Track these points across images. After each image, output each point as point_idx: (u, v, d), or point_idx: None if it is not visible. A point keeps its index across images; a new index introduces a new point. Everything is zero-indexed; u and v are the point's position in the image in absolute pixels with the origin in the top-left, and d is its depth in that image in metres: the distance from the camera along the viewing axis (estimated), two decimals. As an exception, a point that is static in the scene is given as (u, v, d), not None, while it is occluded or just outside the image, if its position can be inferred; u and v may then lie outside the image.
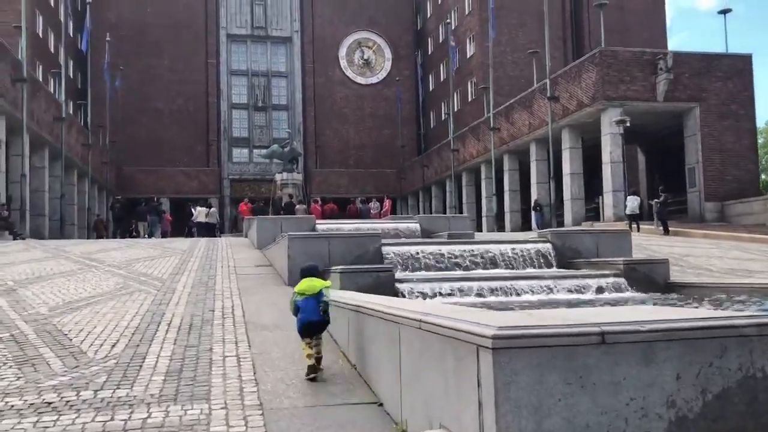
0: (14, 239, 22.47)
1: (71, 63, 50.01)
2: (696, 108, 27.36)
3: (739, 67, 28.02)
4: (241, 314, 7.43)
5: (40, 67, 41.49)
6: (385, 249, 9.84)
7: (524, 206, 36.32)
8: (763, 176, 52.75)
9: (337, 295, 6.73)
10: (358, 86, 60.17)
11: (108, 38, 45.57)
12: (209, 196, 51.01)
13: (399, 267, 9.62)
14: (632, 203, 21.83)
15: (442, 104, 55.83)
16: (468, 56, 50.77)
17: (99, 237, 29.07)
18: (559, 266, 10.09)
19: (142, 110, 55.55)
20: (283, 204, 24.48)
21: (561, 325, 2.53)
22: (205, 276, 10.76)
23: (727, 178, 27.41)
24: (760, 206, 25.59)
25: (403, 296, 8.14)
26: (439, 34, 56.80)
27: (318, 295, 5.42)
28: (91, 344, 5.96)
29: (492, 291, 8.21)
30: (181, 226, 34.02)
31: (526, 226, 35.52)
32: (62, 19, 41.08)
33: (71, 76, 49.97)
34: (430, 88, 59.01)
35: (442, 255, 9.65)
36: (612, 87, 26.89)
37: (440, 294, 8.08)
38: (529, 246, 10.24)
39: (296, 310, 5.48)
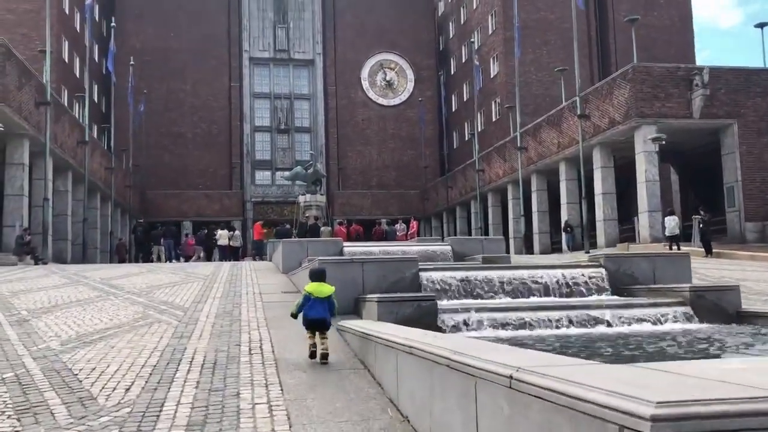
0: (36, 264, 22.06)
1: (96, 87, 50.36)
2: (734, 125, 26.40)
3: (778, 81, 27.01)
4: (270, 349, 6.70)
5: (65, 91, 41.65)
6: (423, 275, 9.08)
7: (552, 228, 35.36)
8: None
9: (376, 328, 5.99)
10: (380, 107, 59.82)
11: (132, 62, 45.71)
12: (232, 219, 50.72)
13: (439, 295, 8.84)
14: (671, 224, 20.87)
15: (466, 124, 55.22)
16: (492, 76, 50.22)
17: (121, 261, 28.68)
18: (613, 293, 9.23)
19: (166, 134, 55.67)
20: (308, 226, 23.81)
21: (749, 399, 1.76)
22: (230, 304, 10.06)
23: (768, 197, 26.29)
24: (805, 226, 24.44)
25: (448, 329, 7.36)
26: (462, 54, 56.38)
27: (328, 298, 6.41)
28: (103, 387, 5.26)
29: (548, 323, 7.40)
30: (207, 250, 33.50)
31: (555, 248, 34.57)
32: (87, 44, 41.20)
33: (95, 101, 50.26)
34: (453, 109, 58.48)
35: (489, 281, 8.86)
36: (646, 104, 26.03)
37: (492, 326, 7.29)
38: (581, 271, 9.41)
39: (301, 307, 6.43)
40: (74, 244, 31.41)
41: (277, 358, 6.27)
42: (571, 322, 7.54)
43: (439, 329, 7.47)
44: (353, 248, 15.63)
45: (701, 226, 20.65)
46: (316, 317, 6.23)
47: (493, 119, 50.16)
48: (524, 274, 9.14)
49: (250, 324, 8.23)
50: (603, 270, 9.47)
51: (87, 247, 32.64)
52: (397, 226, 27.69)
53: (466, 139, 54.49)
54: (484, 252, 16.18)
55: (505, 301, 8.49)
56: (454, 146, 58.18)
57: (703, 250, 20.12)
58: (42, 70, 27.66)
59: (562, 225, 32.28)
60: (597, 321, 7.61)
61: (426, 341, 4.21)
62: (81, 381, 5.48)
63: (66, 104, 37.02)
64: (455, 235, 46.93)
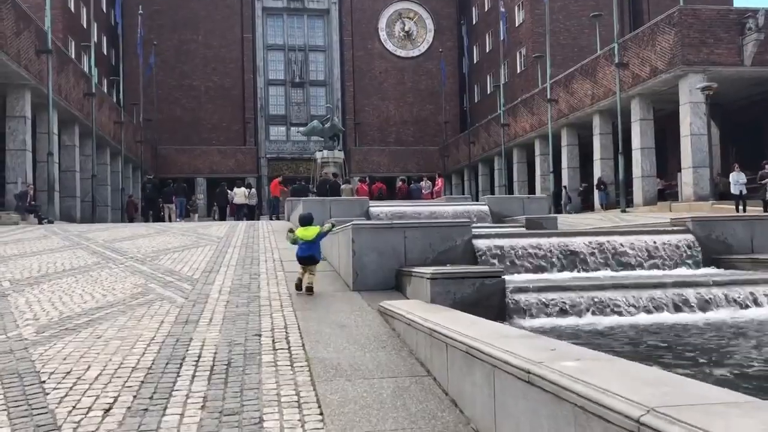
0: (40, 223, 20.74)
1: (104, 39, 48.53)
2: (788, 73, 24.27)
3: (839, 24, 24.69)
4: (299, 342, 5.22)
5: (72, 42, 39.90)
6: (476, 242, 7.53)
7: (582, 185, 33.54)
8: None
9: (444, 322, 4.49)
10: (398, 59, 57.56)
11: (140, 12, 43.73)
12: (246, 176, 49.27)
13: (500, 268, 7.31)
14: (738, 179, 18.97)
15: (488, 77, 52.94)
16: (517, 24, 47.70)
17: (130, 220, 27.29)
18: (706, 264, 7.66)
19: (177, 87, 53.96)
20: (328, 184, 22.24)
21: None
22: (246, 275, 8.60)
23: (825, 152, 24.31)
24: None
25: (521, 316, 5.84)
26: (485, 2, 53.73)
27: (315, 240, 7.38)
28: (74, 407, 3.80)
29: (644, 305, 5.85)
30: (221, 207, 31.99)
31: (585, 206, 32.84)
32: (94, -8, 39.22)
33: (105, 53, 48.50)
34: (475, 61, 56.02)
35: (557, 249, 7.29)
36: (693, 50, 23.94)
37: (575, 311, 5.76)
38: (665, 238, 7.82)
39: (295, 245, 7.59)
40: (83, 202, 30.12)
41: (309, 357, 4.77)
42: (674, 304, 5.97)
43: (506, 314, 5.95)
44: (381, 208, 14.11)
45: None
46: (303, 255, 7.37)
47: (518, 71, 47.87)
48: (600, 241, 7.55)
49: (272, 303, 6.75)
50: (691, 236, 7.86)
51: (97, 204, 31.36)
52: (423, 183, 26.02)
53: (488, 93, 52.32)
54: (525, 213, 14.62)
55: (583, 277, 6.93)
56: (476, 100, 55.96)
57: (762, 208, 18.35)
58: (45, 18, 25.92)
59: (595, 182, 30.50)
60: (706, 302, 6.05)
61: (552, 367, 2.68)
62: (47, 394, 4.03)
63: (73, 56, 35.36)
64: (476, 192, 45.26)
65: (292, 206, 18.28)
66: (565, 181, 33.11)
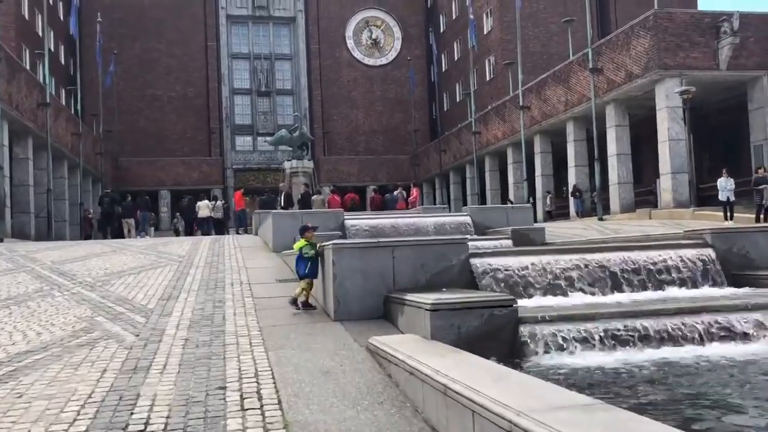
0: (-13, 242, 19.28)
1: (62, 48, 46.76)
2: (763, 77, 23.99)
3: (811, 29, 24.57)
4: (273, 398, 4.20)
5: (26, 51, 38.16)
6: (474, 262, 6.60)
7: (554, 193, 33.02)
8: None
9: (463, 378, 3.54)
10: (366, 68, 56.68)
11: (99, 19, 42.13)
12: (212, 187, 47.85)
13: (497, 290, 6.39)
14: (726, 185, 18.40)
15: (457, 85, 52.40)
16: (485, 32, 47.22)
17: (86, 237, 25.71)
18: (729, 282, 6.84)
19: (139, 97, 52.29)
20: (300, 195, 21.16)
21: None
22: (210, 303, 7.53)
23: (800, 157, 24.01)
24: None
25: (536, 352, 4.91)
26: (453, 10, 53.22)
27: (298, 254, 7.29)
28: None
29: (675, 335, 4.98)
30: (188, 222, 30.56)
31: (558, 214, 32.31)
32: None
33: (62, 62, 46.74)
34: (443, 69, 55.42)
35: (567, 269, 6.40)
36: (669, 54, 23.50)
37: (600, 344, 4.85)
38: (682, 253, 6.99)
39: None
40: (38, 217, 28.52)
41: (288, 421, 3.76)
42: (710, 333, 5.11)
43: (519, 350, 5.01)
44: (357, 221, 13.11)
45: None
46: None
47: (487, 79, 47.35)
48: (614, 258, 6.68)
49: (239, 340, 5.71)
50: (710, 250, 7.05)
51: (54, 220, 29.76)
52: (397, 193, 25.11)
53: (458, 101, 51.78)
54: (509, 223, 13.76)
55: (603, 302, 6.04)
56: (445, 108, 55.35)
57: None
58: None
59: (570, 189, 29.96)
60: (747, 332, 5.19)
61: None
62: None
63: (28, 65, 33.75)
64: (449, 201, 44.53)
65: (260, 219, 17.21)
66: (539, 189, 32.53)
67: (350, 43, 56.55)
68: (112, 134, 46.24)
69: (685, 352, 5.07)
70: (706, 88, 24.57)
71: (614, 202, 26.72)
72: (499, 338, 5.07)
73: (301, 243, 7.21)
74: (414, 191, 26.94)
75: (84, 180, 37.27)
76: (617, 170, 26.56)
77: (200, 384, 4.48)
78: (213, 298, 7.89)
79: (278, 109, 56.28)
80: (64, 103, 40.16)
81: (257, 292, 8.14)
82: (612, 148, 26.75)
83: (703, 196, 24.33)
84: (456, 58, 52.78)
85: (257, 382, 4.50)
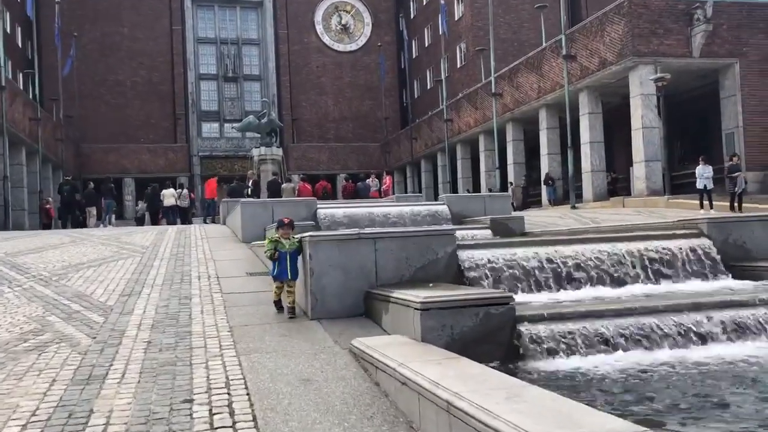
0: (-62, 232, 18.25)
1: (18, 30, 44.99)
2: (735, 64, 23.96)
3: (783, 17, 24.62)
4: (247, 412, 3.70)
5: (-20, 33, 36.54)
6: (462, 255, 6.15)
7: (527, 180, 32.85)
8: None
9: (449, 388, 3.07)
10: (336, 54, 55.88)
11: (57, 0, 40.57)
12: (178, 175, 46.79)
13: (486, 285, 5.96)
14: (704, 173, 18.24)
15: (428, 72, 51.96)
16: (456, 18, 46.77)
17: (45, 227, 24.61)
18: (730, 274, 6.51)
19: (101, 82, 50.74)
20: (269, 183, 20.53)
21: None
22: (175, 300, 6.97)
23: (770, 144, 24.11)
24: (814, 175, 22.41)
25: (537, 354, 4.48)
26: (424, -5, 52.65)
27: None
28: None
29: (685, 334, 4.59)
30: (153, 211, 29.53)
31: (530, 202, 32.14)
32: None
33: (19, 45, 45.00)
34: (414, 55, 54.87)
35: (561, 262, 5.99)
36: (643, 41, 23.31)
37: (604, 346, 4.44)
38: (678, 243, 6.63)
39: None
40: (-6, 206, 27.38)
41: (265, 443, 3.26)
42: (725, 332, 4.74)
43: (519, 353, 4.58)
44: (330, 210, 12.58)
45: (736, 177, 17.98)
46: None
47: (458, 65, 46.95)
48: (605, 249, 6.29)
49: (207, 343, 5.18)
50: (707, 240, 6.70)
51: (11, 209, 28.58)
52: (370, 181, 24.57)
53: (429, 88, 51.36)
54: (487, 212, 13.37)
55: (606, 298, 5.63)
56: (416, 95, 54.88)
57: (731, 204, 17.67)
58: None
59: (543, 177, 29.78)
60: (760, 327, 4.84)
61: None
62: None
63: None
64: (420, 189, 44.18)
65: (228, 208, 16.56)
66: (511, 177, 32.32)
67: (319, 28, 55.66)
68: (73, 120, 44.77)
69: (706, 352, 4.69)
70: (679, 75, 24.47)
71: (587, 191, 26.58)
72: (496, 339, 4.64)
73: (267, 241, 6.31)
74: (387, 179, 26.45)
75: (43, 167, 35.95)
76: (590, 158, 26.40)
77: (163, 396, 3.95)
78: (179, 293, 7.32)
79: (246, 95, 55.25)
80: (21, 87, 38.64)
81: (226, 287, 7.60)
82: (585, 135, 26.57)
83: (675, 184, 24.30)
84: (427, 45, 52.29)
85: (228, 394, 3.99)
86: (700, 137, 27.23)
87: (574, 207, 24.71)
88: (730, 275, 6.47)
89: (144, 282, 8.10)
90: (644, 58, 23.29)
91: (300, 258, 6.17)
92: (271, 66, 54.99)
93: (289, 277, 6.02)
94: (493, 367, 4.36)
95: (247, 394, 3.97)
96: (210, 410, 3.71)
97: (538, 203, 31.11)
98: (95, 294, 7.37)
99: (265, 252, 6.24)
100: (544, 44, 30.30)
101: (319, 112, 55.22)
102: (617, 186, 27.91)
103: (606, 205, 23.87)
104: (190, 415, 3.65)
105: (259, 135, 33.10)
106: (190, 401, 3.86)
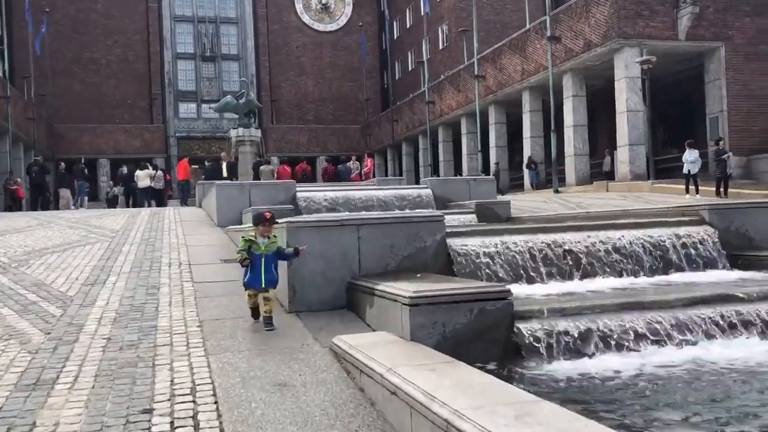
0: None
1: (-13, 4, 43.50)
2: (720, 48, 23.71)
3: (768, 0, 24.39)
4: (215, 425, 3.24)
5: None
6: (452, 243, 5.72)
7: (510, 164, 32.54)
8: None
9: (448, 405, 2.65)
10: (316, 33, 54.94)
11: (28, -27, 39.24)
12: (154, 156, 45.82)
13: (479, 276, 5.55)
14: (692, 158, 17.95)
15: (409, 53, 51.27)
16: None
17: (9, 208, 23.52)
18: (732, 264, 6.17)
19: (75, 60, 49.40)
20: (253, 164, 19.92)
21: None
22: (142, 289, 6.47)
23: (754, 129, 23.97)
24: (798, 160, 22.31)
25: (532, 354, 4.09)
26: (405, -25, 51.84)
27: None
28: None
29: (708, 329, 4.21)
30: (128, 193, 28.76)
31: (513, 185, 31.87)
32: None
33: (-12, 20, 43.52)
34: (395, 36, 54.13)
35: (557, 250, 5.60)
36: (629, 23, 22.96)
37: (613, 345, 4.06)
38: (678, 231, 6.27)
39: None
40: (-39, 187, 26.45)
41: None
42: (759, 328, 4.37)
43: (517, 353, 4.17)
44: (311, 193, 12.10)
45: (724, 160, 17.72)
46: None
47: (440, 47, 46.37)
48: (606, 237, 5.90)
49: (174, 341, 4.71)
50: (710, 228, 6.35)
51: (-21, 190, 27.63)
52: (351, 164, 23.99)
53: (410, 69, 50.71)
54: (472, 196, 12.96)
55: (612, 290, 5.25)
56: (397, 77, 54.23)
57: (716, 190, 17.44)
58: None
59: (525, 161, 29.47)
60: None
61: None
62: None
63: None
64: (401, 173, 43.74)
65: (204, 190, 16.00)
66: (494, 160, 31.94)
67: (299, 7, 54.65)
68: (45, 98, 43.56)
69: (727, 349, 4.31)
70: (664, 58, 24.18)
71: (570, 174, 26.31)
72: (492, 337, 4.23)
73: (242, 241, 5.16)
74: (368, 162, 25.92)
75: (14, 147, 34.94)
76: (573, 142, 26.10)
77: (120, 406, 3.49)
78: (146, 282, 6.82)
79: (224, 75, 54.21)
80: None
81: (198, 275, 7.11)
82: (569, 119, 26.26)
83: (659, 169, 24.11)
84: (408, 25, 51.57)
85: (194, 402, 3.54)
86: (683, 121, 27.03)
87: (557, 191, 24.44)
88: (730, 265, 6.13)
89: (110, 269, 7.58)
90: (630, 41, 22.95)
91: (280, 262, 5.19)
92: (249, 45, 53.97)
93: (263, 286, 4.95)
94: (491, 370, 3.96)
95: (215, 403, 3.52)
96: (171, 423, 3.26)
97: (520, 187, 30.87)
98: (56, 283, 6.85)
99: (237, 253, 5.14)
100: (528, 26, 29.85)
101: (298, 93, 54.39)
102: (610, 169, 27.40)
103: (589, 189, 23.62)
104: (149, 429, 3.19)
105: (237, 116, 32.36)
106: (150, 411, 3.41)
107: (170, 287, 6.54)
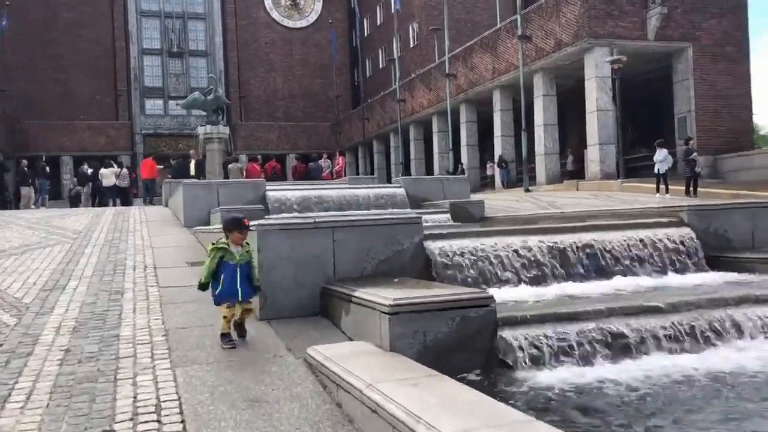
0: None
1: (-56, -3, 42.14)
2: (688, 48, 23.96)
3: (735, 2, 24.72)
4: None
5: None
6: (430, 246, 5.53)
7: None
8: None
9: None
10: (285, 30, 54.42)
11: (-14, -35, 38.11)
12: (120, 154, 44.88)
13: (459, 281, 5.37)
14: (661, 157, 18.02)
15: (380, 51, 51.09)
16: (409, -3, 45.93)
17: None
18: (710, 265, 6.08)
19: (38, 55, 48.09)
20: (223, 162, 19.53)
21: None
22: (104, 295, 6.15)
23: (721, 129, 24.28)
24: (763, 160, 22.62)
25: (521, 365, 3.92)
26: (376, -28, 51.63)
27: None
28: None
29: (699, 338, 4.09)
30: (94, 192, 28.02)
31: (482, 184, 31.90)
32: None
33: (-55, 13, 42.18)
34: (366, 33, 53.87)
35: (543, 252, 5.44)
36: (599, 22, 23.07)
37: (602, 353, 3.90)
38: (658, 233, 6.16)
39: None
40: None
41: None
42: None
43: (501, 362, 3.99)
44: (281, 192, 11.82)
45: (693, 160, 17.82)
46: None
47: (411, 45, 46.28)
48: (587, 239, 5.77)
49: (138, 352, 4.43)
50: (689, 230, 6.26)
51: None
52: (322, 162, 23.65)
53: (381, 67, 50.52)
54: (446, 196, 12.82)
55: (587, 293, 5.10)
56: (368, 75, 53.99)
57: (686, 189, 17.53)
58: None
59: (496, 160, 29.49)
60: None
61: None
62: None
63: None
64: (372, 171, 43.52)
65: (171, 189, 15.58)
66: (464, 160, 31.92)
67: (268, 3, 54.09)
68: (6, 94, 42.35)
69: (730, 356, 4.19)
70: (633, 58, 24.35)
71: (540, 173, 26.39)
72: (474, 346, 4.04)
73: (211, 246, 4.62)
74: (340, 160, 25.60)
75: (-27, 144, 33.89)
76: (544, 141, 26.18)
77: (76, 426, 3.22)
78: (109, 287, 6.50)
79: (191, 71, 53.43)
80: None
81: (164, 279, 6.81)
82: (539, 118, 26.33)
83: (628, 168, 24.28)
84: (379, 23, 51.37)
85: (159, 422, 3.28)
86: (652, 121, 27.29)
87: (527, 190, 24.46)
88: (710, 267, 6.05)
89: (71, 273, 7.23)
90: (600, 40, 23.07)
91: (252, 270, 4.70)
92: (218, 41, 53.27)
93: (240, 299, 4.46)
94: (474, 381, 3.78)
95: (182, 422, 3.27)
96: (133, 450, 3.00)
97: (490, 185, 30.93)
98: (11, 289, 6.49)
99: (206, 266, 4.52)
100: (498, 25, 29.85)
101: (268, 89, 53.83)
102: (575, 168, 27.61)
103: (559, 188, 23.68)
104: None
105: (205, 113, 31.75)
106: (110, 435, 3.14)
107: (134, 292, 6.24)
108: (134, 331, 4.90)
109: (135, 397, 3.60)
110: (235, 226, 4.58)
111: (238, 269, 4.48)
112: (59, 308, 5.64)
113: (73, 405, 3.50)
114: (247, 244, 4.67)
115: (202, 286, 4.57)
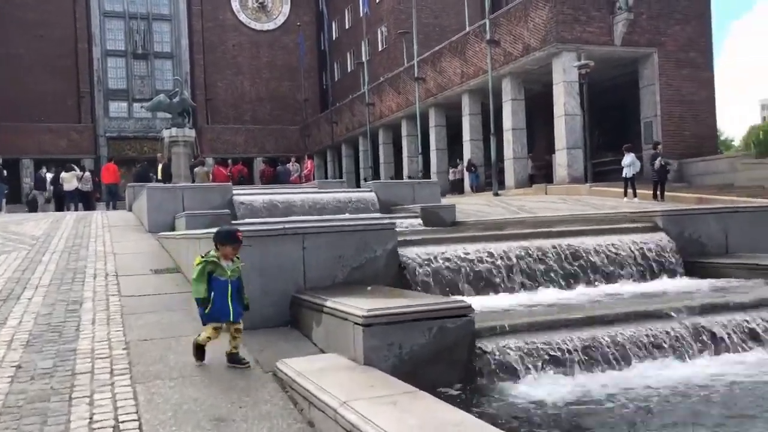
0: None
1: None
2: (654, 54, 24.27)
3: (699, 9, 25.11)
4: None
5: None
6: (404, 253, 5.36)
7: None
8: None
9: None
10: (253, 32, 53.91)
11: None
12: (82, 157, 43.92)
13: (434, 289, 5.21)
14: (631, 161, 18.15)
15: (348, 54, 50.92)
16: (377, 0, 45.89)
17: None
18: (686, 272, 6.02)
19: (-4, 56, 46.84)
20: (190, 166, 19.14)
21: None
22: (62, 305, 5.85)
23: (686, 134, 24.64)
24: (725, 165, 23.01)
25: (500, 380, 3.77)
26: (344, -25, 51.46)
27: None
28: None
29: (682, 345, 3.98)
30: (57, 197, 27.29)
31: (453, 188, 31.89)
32: None
33: None
34: (334, 37, 53.66)
35: (519, 259, 5.31)
36: (566, 27, 23.23)
37: (586, 363, 3.77)
38: (633, 238, 6.08)
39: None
40: None
41: None
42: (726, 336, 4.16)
43: (479, 375, 3.83)
44: (249, 197, 11.55)
45: (663, 165, 17.97)
46: None
47: (379, 49, 46.21)
48: (567, 244, 5.66)
49: (96, 367, 4.16)
50: (664, 235, 6.20)
51: None
52: (290, 165, 23.33)
53: (349, 70, 50.36)
54: (416, 200, 12.70)
55: (577, 302, 4.97)
56: (336, 78, 53.73)
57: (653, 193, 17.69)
58: None
59: (465, 164, 29.51)
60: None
61: None
62: None
63: None
64: (341, 174, 43.27)
65: (135, 193, 15.18)
66: (433, 163, 31.90)
67: (235, 5, 53.53)
68: (-37, 95, 41.12)
69: (711, 364, 4.09)
70: (600, 63, 24.57)
71: (509, 177, 26.47)
72: (452, 358, 3.87)
73: (199, 260, 4.18)
74: (308, 163, 25.33)
75: (-72, 146, 32.77)
76: (512, 145, 26.26)
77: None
78: (67, 297, 6.19)
79: (157, 73, 52.57)
80: None
81: (126, 288, 6.51)
82: (508, 122, 26.42)
83: (595, 172, 24.47)
84: (347, 26, 51.21)
85: (115, 442, 3.04)
86: (619, 126, 27.57)
87: (496, 194, 24.52)
88: (683, 271, 6.00)
89: (27, 282, 6.89)
90: (568, 45, 23.22)
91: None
92: (184, 43, 52.52)
93: (231, 319, 4.11)
94: (453, 396, 3.61)
95: (140, 445, 3.03)
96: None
97: (459, 190, 30.92)
98: (-38, 299, 6.13)
99: (195, 279, 4.12)
100: (467, 29, 29.90)
101: (235, 92, 53.26)
102: (540, 173, 27.82)
103: (528, 192, 23.76)
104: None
105: (170, 115, 31.19)
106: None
107: (94, 302, 5.94)
108: (93, 345, 4.63)
109: (91, 418, 3.35)
110: (228, 239, 4.19)
111: (230, 286, 4.14)
112: (12, 320, 5.33)
113: (22, 428, 3.24)
114: (238, 258, 4.30)
115: (203, 301, 4.13)
